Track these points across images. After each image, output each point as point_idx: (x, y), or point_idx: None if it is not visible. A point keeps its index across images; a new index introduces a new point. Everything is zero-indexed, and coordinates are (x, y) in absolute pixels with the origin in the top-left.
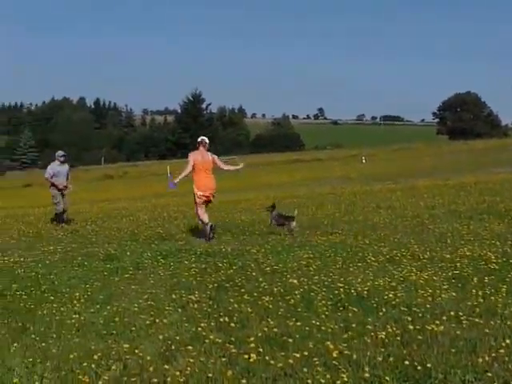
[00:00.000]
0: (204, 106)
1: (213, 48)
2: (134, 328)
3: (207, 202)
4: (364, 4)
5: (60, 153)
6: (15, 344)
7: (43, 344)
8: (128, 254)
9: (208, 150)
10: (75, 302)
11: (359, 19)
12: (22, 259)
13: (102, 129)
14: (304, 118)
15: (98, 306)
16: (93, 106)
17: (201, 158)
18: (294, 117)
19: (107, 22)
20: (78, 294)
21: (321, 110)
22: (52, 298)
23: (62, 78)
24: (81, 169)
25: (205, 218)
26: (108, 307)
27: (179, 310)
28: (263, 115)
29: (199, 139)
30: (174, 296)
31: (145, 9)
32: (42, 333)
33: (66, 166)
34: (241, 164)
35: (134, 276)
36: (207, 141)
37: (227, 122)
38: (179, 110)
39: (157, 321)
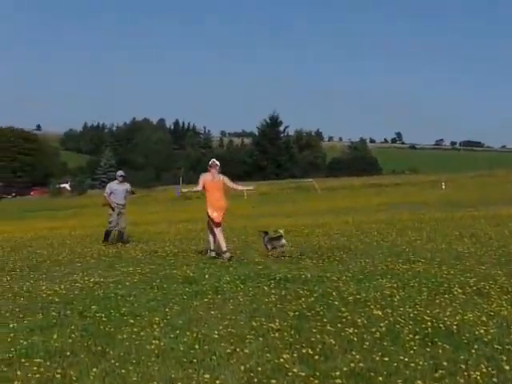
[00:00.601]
0: (281, 128)
1: (291, 71)
2: (214, 356)
3: (218, 224)
4: (438, 29)
5: (119, 173)
6: (94, 369)
7: (123, 370)
8: (206, 277)
9: (219, 173)
10: (155, 326)
11: (436, 44)
12: (101, 279)
13: (180, 150)
14: (381, 142)
15: (177, 332)
16: (172, 127)
17: (211, 179)
18: (372, 141)
19: (184, 48)
20: (157, 319)
21: (399, 134)
22: (131, 321)
23: (144, 99)
24: (159, 189)
25: (223, 245)
26: (187, 333)
27: (260, 338)
28: (340, 138)
29: (210, 162)
30: (254, 323)
31: (221, 30)
32: (122, 358)
33: (125, 185)
34: (251, 186)
35: (213, 300)
36: (218, 163)
37: (304, 144)
38: (257, 133)
39: (237, 350)
